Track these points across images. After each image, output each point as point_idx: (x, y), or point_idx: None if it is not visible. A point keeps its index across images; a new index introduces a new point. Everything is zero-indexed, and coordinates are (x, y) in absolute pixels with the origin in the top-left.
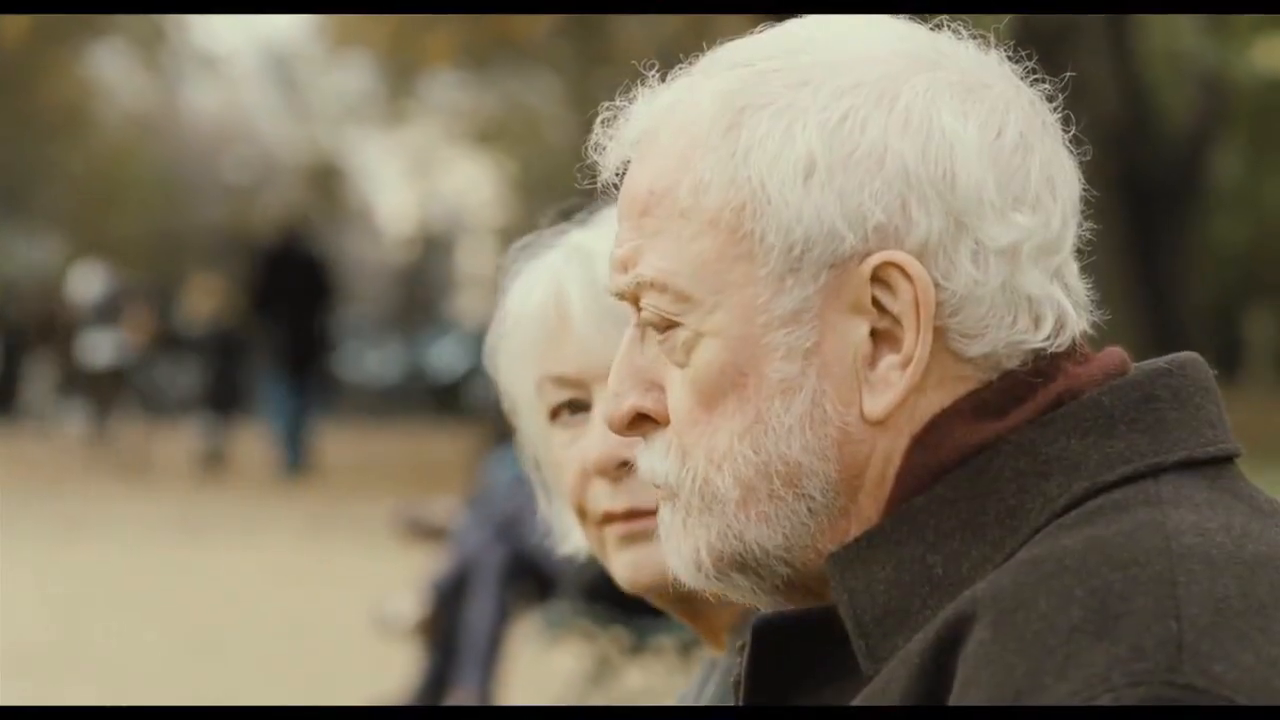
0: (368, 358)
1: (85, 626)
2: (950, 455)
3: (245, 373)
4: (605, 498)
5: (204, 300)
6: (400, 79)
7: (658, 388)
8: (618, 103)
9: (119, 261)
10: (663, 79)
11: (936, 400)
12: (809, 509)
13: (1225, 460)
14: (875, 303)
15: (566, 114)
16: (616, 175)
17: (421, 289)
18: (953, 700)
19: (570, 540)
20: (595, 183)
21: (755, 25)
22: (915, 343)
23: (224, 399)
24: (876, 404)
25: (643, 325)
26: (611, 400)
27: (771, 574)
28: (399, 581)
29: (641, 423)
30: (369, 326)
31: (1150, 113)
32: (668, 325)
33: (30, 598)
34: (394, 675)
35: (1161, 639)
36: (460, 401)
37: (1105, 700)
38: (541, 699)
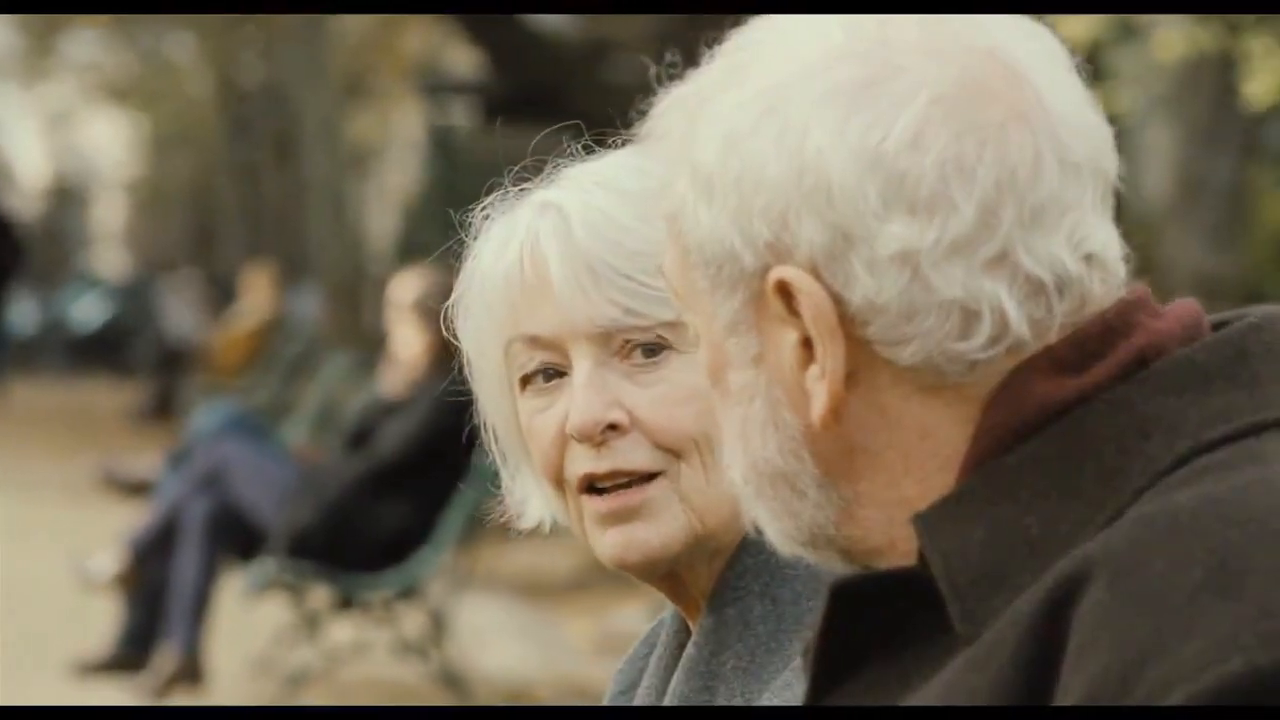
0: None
1: None
2: (1034, 413)
3: None
4: (586, 460)
5: None
6: (40, 36)
7: None
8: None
9: None
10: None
11: (902, 394)
12: (815, 503)
13: None
14: (794, 313)
15: (202, 69)
16: None
17: (57, 243)
18: (1070, 663)
19: (528, 514)
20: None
21: None
22: (824, 353)
23: None
24: (812, 410)
25: None
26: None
27: (823, 554)
28: (92, 535)
29: None
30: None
31: None
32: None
33: None
34: (96, 631)
35: None
36: (99, 355)
37: (1237, 661)
38: (247, 653)
